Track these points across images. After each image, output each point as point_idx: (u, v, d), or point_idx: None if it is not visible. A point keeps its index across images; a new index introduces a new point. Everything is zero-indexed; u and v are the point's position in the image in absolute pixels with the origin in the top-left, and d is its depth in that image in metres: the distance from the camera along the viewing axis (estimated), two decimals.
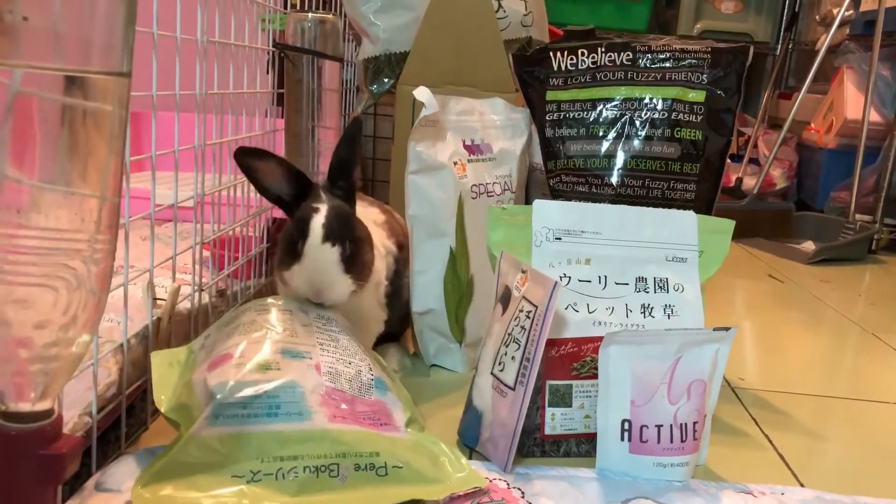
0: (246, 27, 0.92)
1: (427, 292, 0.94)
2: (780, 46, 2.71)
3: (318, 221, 0.75)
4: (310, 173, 1.04)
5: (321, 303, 0.76)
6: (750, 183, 2.24)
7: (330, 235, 0.75)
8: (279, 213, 1.17)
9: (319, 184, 0.81)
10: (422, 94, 0.89)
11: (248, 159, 0.77)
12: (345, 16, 1.36)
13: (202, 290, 0.84)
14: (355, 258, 0.77)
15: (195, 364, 0.67)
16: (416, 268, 0.93)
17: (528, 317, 0.69)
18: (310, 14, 1.04)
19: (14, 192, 0.36)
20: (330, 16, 1.06)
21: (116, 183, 0.40)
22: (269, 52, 1.04)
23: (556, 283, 0.66)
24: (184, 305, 0.81)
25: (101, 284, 0.41)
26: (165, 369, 0.68)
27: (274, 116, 1.08)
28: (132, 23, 0.39)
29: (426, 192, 0.92)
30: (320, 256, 0.75)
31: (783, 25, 2.73)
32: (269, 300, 0.75)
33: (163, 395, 0.65)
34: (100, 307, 0.42)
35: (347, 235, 0.76)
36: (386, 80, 1.25)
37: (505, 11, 1.26)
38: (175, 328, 0.78)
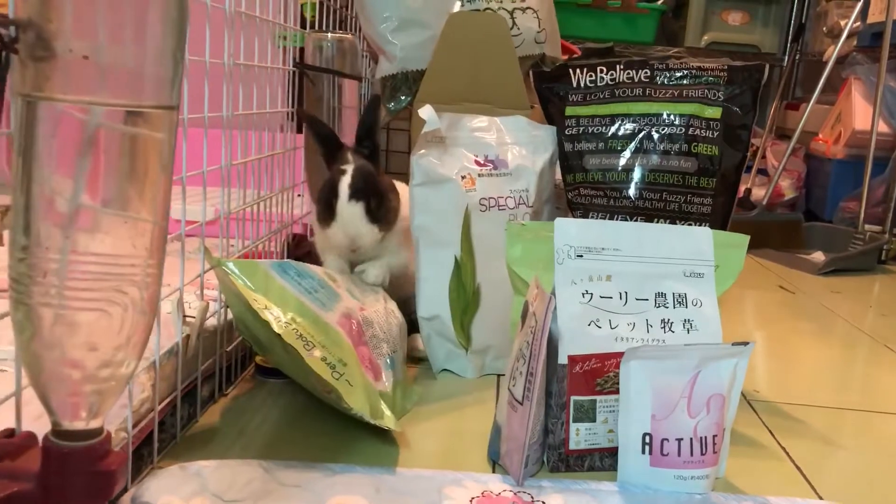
0: (268, 49, 0.94)
1: (433, 299, 0.96)
2: (787, 57, 2.73)
3: (344, 183, 0.90)
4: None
5: (356, 249, 0.91)
6: (759, 194, 2.25)
7: (354, 194, 0.89)
8: (298, 229, 1.19)
9: (349, 147, 0.95)
10: (425, 112, 0.92)
11: (303, 119, 0.96)
12: (359, 30, 1.38)
13: (227, 307, 0.86)
14: (379, 209, 0.91)
15: None
16: (421, 275, 0.96)
17: (531, 332, 0.71)
18: (329, 34, 1.06)
19: (80, 218, 0.38)
20: (348, 35, 1.08)
21: (166, 208, 0.42)
22: (289, 71, 1.06)
23: (551, 297, 0.67)
24: (210, 321, 0.83)
25: (151, 308, 0.43)
26: None
27: (290, 132, 1.10)
28: (182, 60, 0.41)
29: (430, 203, 0.95)
30: (349, 212, 0.89)
31: (790, 36, 2.74)
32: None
33: None
34: (148, 330, 0.43)
35: (370, 191, 0.90)
36: (403, 97, 1.27)
37: (519, 28, 1.28)
38: (203, 344, 0.79)
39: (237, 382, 0.91)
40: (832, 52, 2.14)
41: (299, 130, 1.13)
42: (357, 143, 0.95)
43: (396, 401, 0.81)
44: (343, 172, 0.90)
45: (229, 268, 0.75)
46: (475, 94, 1.17)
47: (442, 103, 1.10)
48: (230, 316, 0.88)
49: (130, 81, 0.38)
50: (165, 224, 0.43)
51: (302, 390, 0.88)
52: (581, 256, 0.78)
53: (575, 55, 1.92)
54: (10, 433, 0.46)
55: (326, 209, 0.91)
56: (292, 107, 1.07)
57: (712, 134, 0.92)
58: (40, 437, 0.48)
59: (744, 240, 0.83)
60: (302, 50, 1.09)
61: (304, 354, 0.71)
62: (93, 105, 0.36)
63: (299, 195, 1.19)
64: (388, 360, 0.83)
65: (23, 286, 0.39)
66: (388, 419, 0.75)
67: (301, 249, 1.10)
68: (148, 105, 0.38)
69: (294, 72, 1.06)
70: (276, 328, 0.71)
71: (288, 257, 1.09)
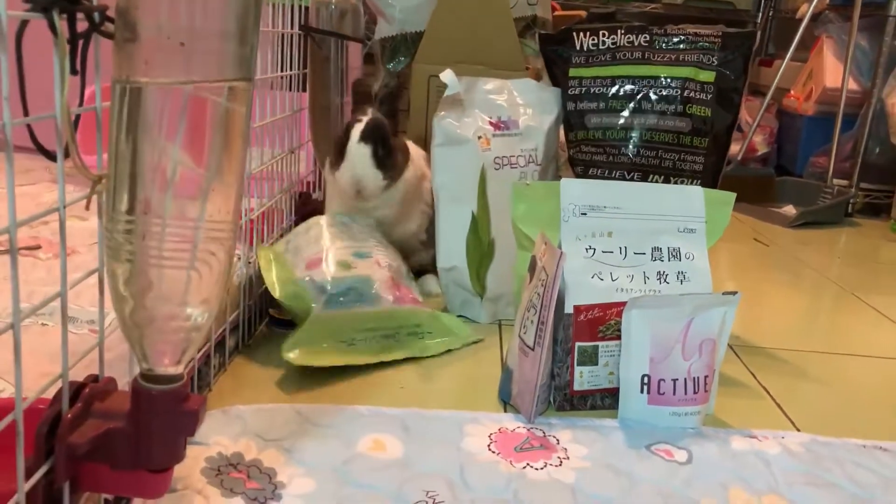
0: (279, 13, 0.97)
1: (451, 251, 1.03)
2: (760, 14, 2.78)
3: (357, 128, 0.98)
4: None
5: (361, 195, 0.99)
6: (733, 149, 2.32)
7: (364, 137, 0.97)
8: (301, 187, 1.23)
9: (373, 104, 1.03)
10: (446, 76, 0.97)
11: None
12: None
13: (250, 263, 0.91)
14: (387, 157, 0.98)
15: (288, 263, 0.91)
16: (440, 229, 1.02)
17: (542, 284, 0.77)
18: None
19: (193, 185, 0.43)
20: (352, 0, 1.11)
21: (243, 174, 0.47)
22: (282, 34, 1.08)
23: (562, 253, 0.73)
24: (234, 277, 0.87)
25: (229, 266, 0.48)
26: (267, 264, 0.90)
27: (277, 89, 1.12)
28: (258, 37, 0.45)
29: (449, 162, 1.01)
30: (356, 152, 0.97)
31: None
32: (326, 217, 0.99)
33: (276, 286, 0.87)
34: (226, 285, 0.48)
35: (380, 138, 0.98)
36: (402, 58, 1.30)
37: None
38: (231, 298, 0.84)
39: (255, 334, 0.96)
40: (806, 10, 2.20)
41: (303, 89, 1.16)
42: (379, 105, 1.03)
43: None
44: (359, 121, 0.98)
45: (295, 361, 0.82)
46: (472, 56, 1.21)
47: (440, 64, 1.14)
48: (251, 271, 0.93)
49: (222, 60, 0.42)
50: (242, 189, 0.47)
51: None
52: (585, 214, 0.84)
53: (555, 12, 1.96)
54: (94, 378, 0.51)
55: (338, 153, 0.98)
56: (300, 69, 1.10)
57: (706, 96, 0.99)
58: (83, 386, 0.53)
59: (730, 197, 0.89)
60: (306, 10, 1.12)
61: (401, 353, 0.90)
62: (199, 84, 0.41)
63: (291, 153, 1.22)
64: (406, 274, 0.98)
65: (120, 246, 0.44)
66: (462, 336, 0.96)
67: (307, 207, 1.15)
68: (235, 80, 0.43)
69: (300, 34, 1.09)
70: (373, 360, 0.87)
71: (295, 214, 1.14)
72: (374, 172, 0.98)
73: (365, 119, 0.99)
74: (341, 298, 0.87)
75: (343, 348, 0.85)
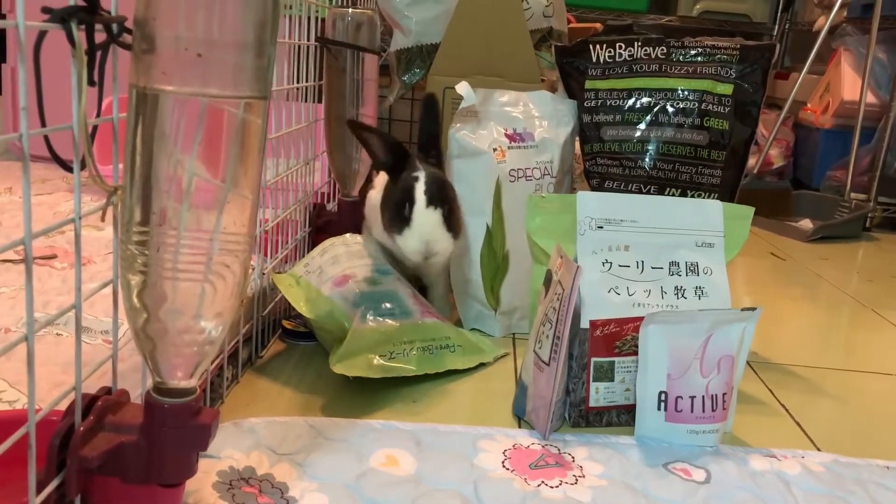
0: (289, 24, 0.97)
1: (465, 264, 1.03)
2: (776, 27, 2.77)
3: (420, 189, 0.88)
4: (353, 159, 1.10)
5: (427, 258, 0.89)
6: (749, 162, 2.30)
7: (432, 200, 0.88)
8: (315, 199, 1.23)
9: (415, 153, 0.95)
10: (462, 88, 0.96)
11: (358, 131, 0.93)
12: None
13: (264, 274, 0.90)
14: (453, 216, 0.90)
15: (312, 284, 0.90)
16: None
17: (558, 299, 0.76)
18: (350, 10, 1.09)
19: (209, 197, 0.42)
20: (368, 11, 1.11)
21: (259, 186, 0.47)
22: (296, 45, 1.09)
23: (578, 267, 0.73)
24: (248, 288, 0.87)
25: (245, 278, 0.47)
26: (290, 289, 0.90)
27: (293, 100, 1.13)
28: (274, 50, 0.45)
29: (465, 174, 1.00)
30: (427, 219, 0.87)
31: (780, 6, 2.78)
32: (345, 238, 0.98)
33: (305, 306, 0.87)
34: (241, 298, 0.48)
35: (446, 198, 0.89)
36: (417, 70, 1.30)
37: (528, 3, 1.31)
38: (244, 309, 0.84)
39: (269, 345, 0.96)
40: (824, 23, 2.18)
41: (319, 100, 1.16)
42: (421, 151, 0.96)
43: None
44: (416, 179, 0.88)
45: (348, 372, 0.81)
46: (488, 68, 1.21)
47: (455, 76, 1.14)
48: (265, 283, 0.92)
49: (238, 73, 0.42)
50: (257, 201, 0.47)
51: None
52: (601, 228, 0.83)
53: (570, 24, 1.96)
54: (107, 391, 0.51)
55: (398, 216, 0.88)
56: (316, 80, 1.10)
57: (723, 109, 0.98)
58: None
59: (749, 211, 0.88)
60: (322, 21, 1.12)
61: (442, 366, 0.89)
62: (220, 98, 0.40)
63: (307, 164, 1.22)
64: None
65: (134, 257, 0.44)
66: (489, 351, 0.96)
67: (322, 218, 1.15)
68: (253, 95, 0.43)
69: (316, 45, 1.09)
70: (418, 372, 0.86)
71: (309, 225, 1.13)
72: (445, 236, 0.88)
73: (422, 176, 0.88)
74: (375, 309, 0.87)
75: (383, 360, 0.85)
